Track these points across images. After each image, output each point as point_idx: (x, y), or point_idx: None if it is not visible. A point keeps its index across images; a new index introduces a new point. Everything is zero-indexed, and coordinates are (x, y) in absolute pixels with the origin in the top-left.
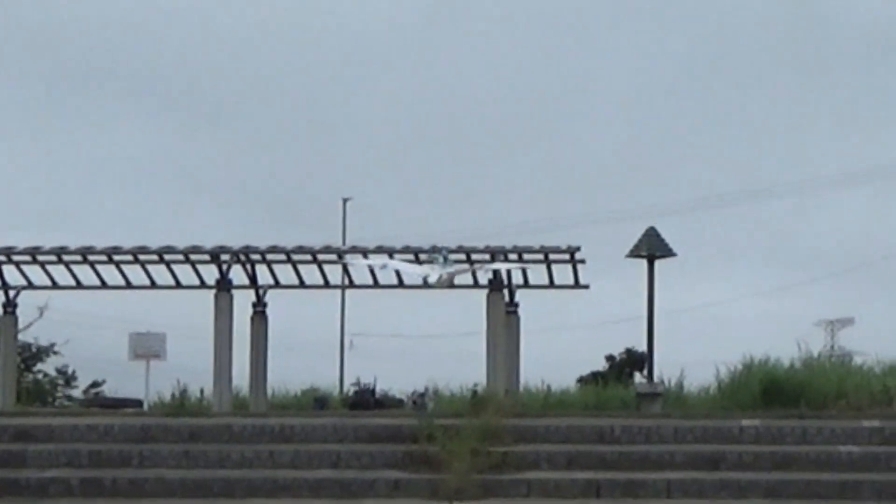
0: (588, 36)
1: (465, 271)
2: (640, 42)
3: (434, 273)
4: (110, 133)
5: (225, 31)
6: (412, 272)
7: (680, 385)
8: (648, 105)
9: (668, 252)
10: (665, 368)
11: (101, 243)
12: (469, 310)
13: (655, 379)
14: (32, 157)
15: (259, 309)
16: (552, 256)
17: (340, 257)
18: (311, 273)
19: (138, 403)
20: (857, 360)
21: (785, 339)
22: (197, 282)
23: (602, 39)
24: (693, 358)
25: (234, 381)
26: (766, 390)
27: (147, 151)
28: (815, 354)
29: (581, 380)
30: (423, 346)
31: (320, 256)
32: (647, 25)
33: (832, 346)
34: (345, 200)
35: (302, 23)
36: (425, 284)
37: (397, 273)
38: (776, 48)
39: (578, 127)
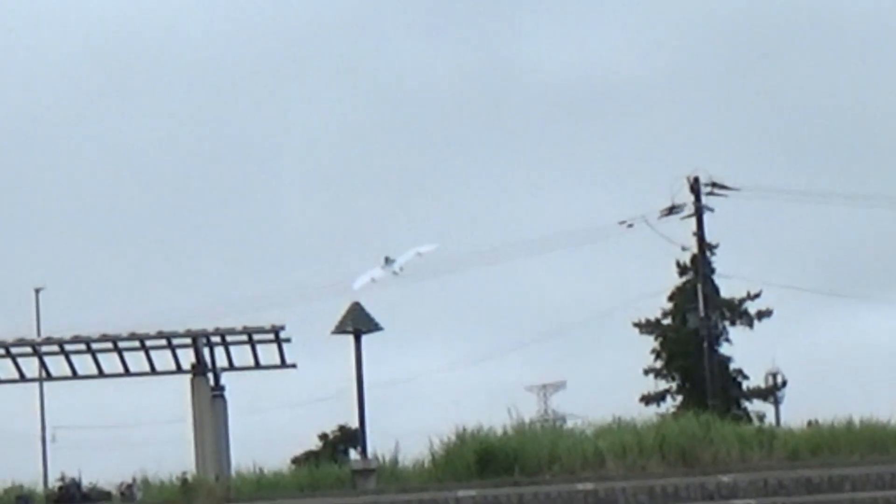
0: (266, 101)
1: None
2: (323, 107)
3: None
4: None
5: None
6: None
7: (395, 459)
8: (338, 173)
9: (374, 327)
10: (379, 443)
11: None
12: (174, 394)
13: (369, 454)
14: None
15: None
16: (256, 336)
17: (35, 350)
18: (5, 367)
19: None
20: (570, 422)
21: (498, 407)
22: None
23: (281, 106)
24: (407, 431)
25: None
26: (481, 459)
27: None
28: (527, 420)
29: (295, 460)
30: (128, 435)
31: (14, 350)
32: (327, 88)
33: (546, 411)
34: (37, 290)
35: None
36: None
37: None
38: (463, 112)
39: (268, 198)
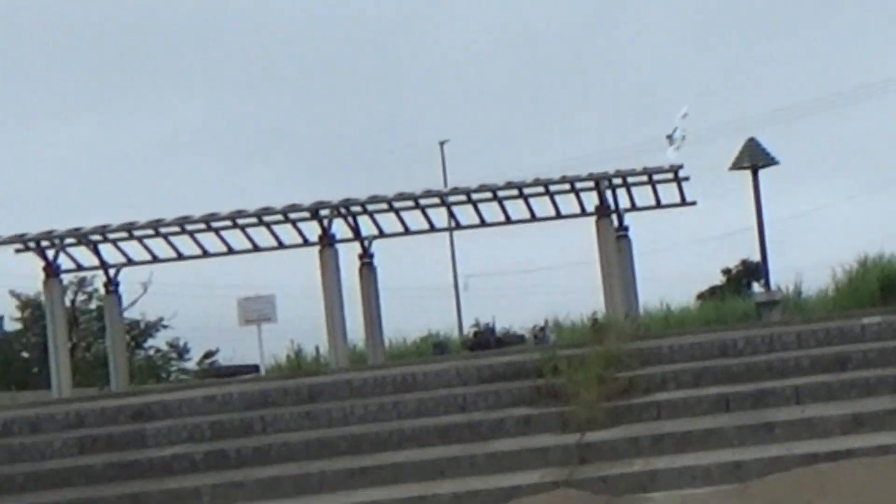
0: None
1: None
2: None
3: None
4: (177, 107)
5: None
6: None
7: (798, 290)
8: (732, 12)
9: (770, 161)
10: (781, 276)
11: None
12: (578, 238)
13: (773, 287)
14: (98, 138)
15: (366, 261)
16: (656, 177)
17: (443, 200)
18: (415, 219)
19: (255, 369)
20: None
21: None
22: (299, 240)
23: None
24: (807, 263)
25: (349, 336)
26: (884, 287)
27: (223, 122)
28: None
29: (700, 296)
30: (537, 279)
31: (423, 201)
32: None
33: None
34: (441, 143)
35: None
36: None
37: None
38: None
39: (661, 43)
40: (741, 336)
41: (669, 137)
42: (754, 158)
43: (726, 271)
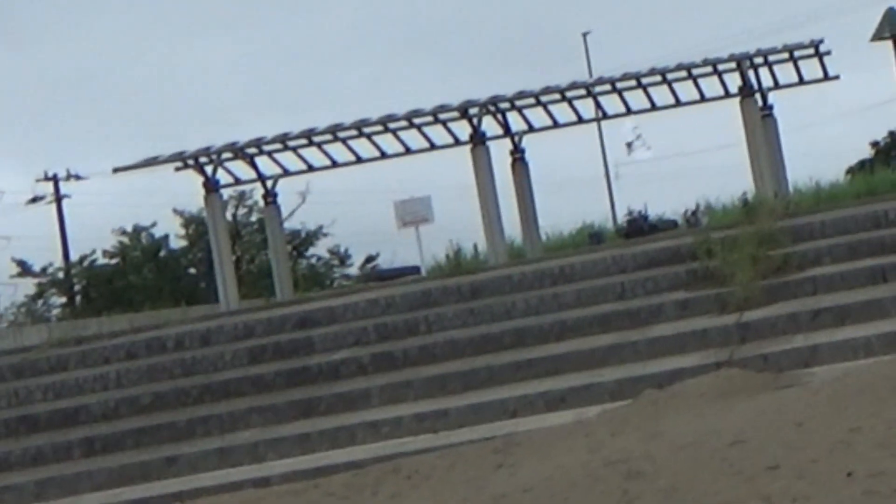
0: None
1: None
2: None
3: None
4: (326, 11)
5: None
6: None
7: None
8: None
9: None
10: None
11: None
12: (723, 121)
13: None
14: (253, 45)
15: (517, 156)
16: (797, 53)
17: (588, 91)
18: (562, 111)
19: (416, 270)
20: None
21: None
22: (450, 140)
23: None
24: None
25: (506, 232)
26: None
27: (369, 26)
28: None
29: (850, 170)
30: (687, 164)
31: (569, 94)
32: None
33: None
34: (584, 35)
35: None
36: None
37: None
38: None
39: None
40: (893, 207)
41: (629, 145)
42: (894, 28)
43: (874, 144)
